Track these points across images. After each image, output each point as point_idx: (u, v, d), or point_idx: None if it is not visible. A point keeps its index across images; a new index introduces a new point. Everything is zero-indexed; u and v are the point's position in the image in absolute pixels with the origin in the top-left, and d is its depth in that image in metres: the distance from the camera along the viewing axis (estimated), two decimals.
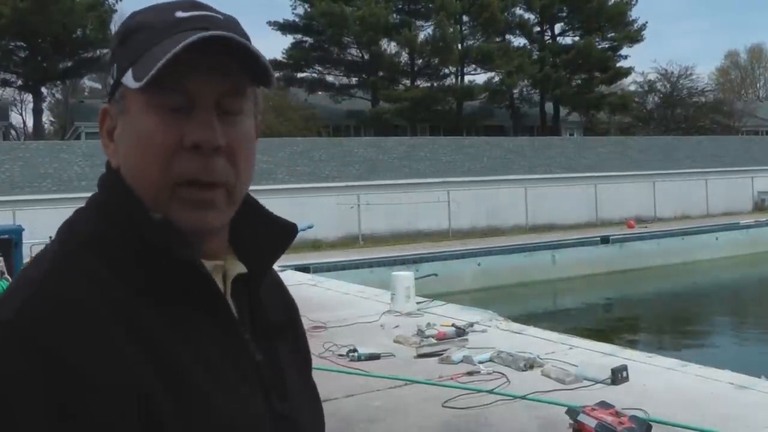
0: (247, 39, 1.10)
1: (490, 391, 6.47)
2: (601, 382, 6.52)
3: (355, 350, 8.39)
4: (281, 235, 1.22)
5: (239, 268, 1.16)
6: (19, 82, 49.50)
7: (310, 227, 26.60)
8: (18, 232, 20.10)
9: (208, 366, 1.05)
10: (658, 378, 6.89)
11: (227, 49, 1.06)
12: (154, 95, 1.04)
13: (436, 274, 17.31)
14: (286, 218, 1.24)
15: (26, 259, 17.90)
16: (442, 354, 7.97)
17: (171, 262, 1.05)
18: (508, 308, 16.04)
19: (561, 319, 17.06)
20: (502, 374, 6.95)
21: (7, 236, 19.15)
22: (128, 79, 1.06)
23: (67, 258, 1.04)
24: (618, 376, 6.49)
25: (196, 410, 1.01)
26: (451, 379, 7.02)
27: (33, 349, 0.92)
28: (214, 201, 1.07)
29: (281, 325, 1.26)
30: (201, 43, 1.02)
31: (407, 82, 49.00)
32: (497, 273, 21.84)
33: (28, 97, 54.22)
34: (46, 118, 60.72)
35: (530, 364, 7.10)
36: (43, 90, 52.29)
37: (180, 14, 1.09)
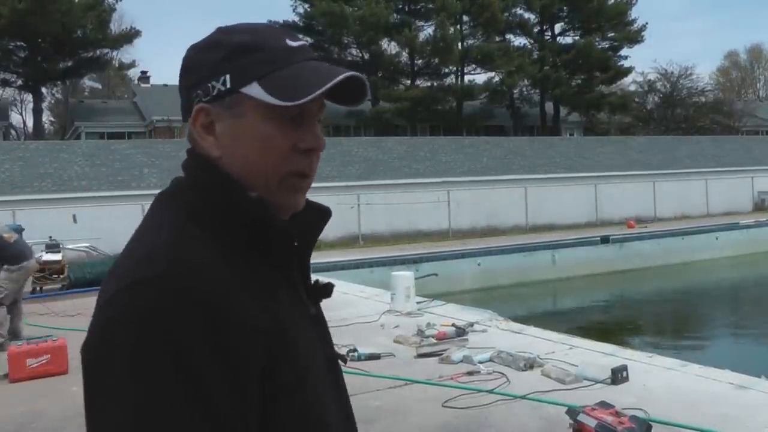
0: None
1: (490, 391, 6.47)
2: (601, 382, 6.51)
3: (355, 350, 8.39)
4: (321, 215, 1.44)
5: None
6: (19, 82, 49.49)
7: None
8: (18, 231, 20.19)
9: (292, 314, 1.28)
10: (658, 378, 6.89)
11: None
12: (278, 108, 1.25)
13: (436, 274, 17.31)
14: (322, 204, 1.47)
15: None
16: (442, 354, 7.96)
17: (268, 230, 1.27)
18: (508, 308, 16.03)
19: (561, 319, 17.03)
20: (502, 374, 6.94)
21: None
22: (257, 91, 1.26)
23: (181, 229, 1.23)
24: (618, 376, 6.48)
25: (291, 353, 1.22)
26: (451, 379, 7.02)
27: (189, 300, 1.11)
28: (305, 188, 1.34)
29: (319, 290, 1.45)
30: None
31: (407, 81, 48.96)
32: (497, 273, 21.85)
33: (28, 97, 54.23)
34: (46, 118, 60.78)
35: (530, 364, 7.09)
36: (43, 90, 52.26)
37: (291, 43, 1.32)
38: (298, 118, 1.28)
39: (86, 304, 13.76)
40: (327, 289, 1.47)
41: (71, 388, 8.06)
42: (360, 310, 11.68)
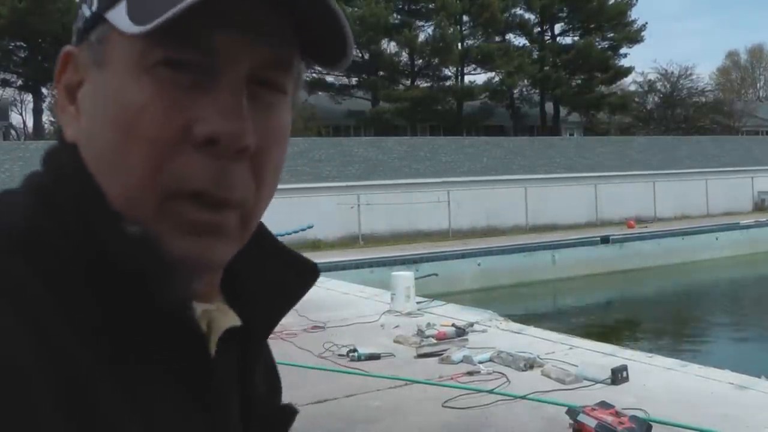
0: None
1: (491, 391, 6.48)
2: (601, 382, 6.53)
3: (355, 350, 8.39)
4: (297, 277, 0.88)
5: (232, 319, 0.81)
6: (19, 82, 49.53)
7: (309, 227, 26.71)
8: None
9: None
10: (658, 378, 6.90)
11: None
12: (157, 47, 0.70)
13: (436, 274, 17.33)
14: (301, 254, 0.90)
15: None
16: (442, 354, 7.97)
17: (144, 300, 0.70)
18: (508, 308, 16.02)
19: (561, 319, 17.07)
20: (502, 374, 6.96)
21: None
22: (118, 16, 0.72)
23: None
24: (618, 376, 6.50)
25: None
26: (451, 379, 7.03)
27: None
28: (224, 226, 0.74)
29: (271, 415, 0.94)
30: None
31: (407, 82, 48.96)
32: (497, 273, 21.87)
33: (28, 97, 54.25)
34: (46, 118, 60.73)
35: (530, 364, 7.11)
36: (43, 90, 52.26)
37: None
38: (201, 77, 0.72)
39: None
40: (284, 418, 0.96)
41: None
42: (360, 310, 11.68)
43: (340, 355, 8.43)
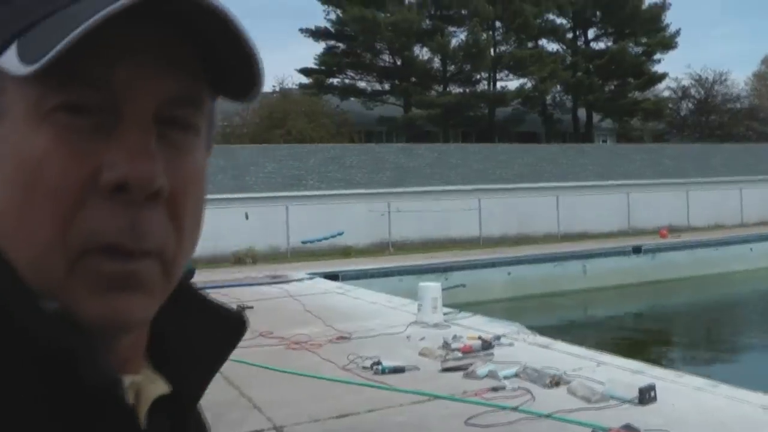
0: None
1: (515, 409, 6.36)
2: (628, 402, 6.37)
3: (379, 363, 8.31)
4: (225, 334, 0.81)
5: (160, 387, 0.76)
6: None
7: (340, 234, 26.71)
8: None
9: None
10: (687, 398, 6.72)
11: (184, 25, 0.67)
12: (52, 91, 0.64)
13: (463, 285, 17.20)
14: (227, 305, 0.83)
15: None
16: (467, 368, 7.86)
17: (70, 379, 0.65)
18: (538, 319, 15.87)
19: (590, 331, 16.84)
20: (528, 391, 6.83)
21: None
22: (9, 59, 0.64)
23: None
24: (646, 395, 6.34)
25: None
26: (476, 395, 6.91)
27: None
28: (143, 278, 0.67)
29: None
30: (143, 9, 0.62)
31: (439, 88, 48.85)
32: (527, 282, 21.64)
33: None
34: None
35: (556, 381, 6.97)
36: None
37: None
38: (104, 117, 0.65)
39: None
40: None
41: None
42: (387, 321, 11.61)
43: (364, 367, 8.35)
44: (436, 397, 7.01)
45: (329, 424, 6.46)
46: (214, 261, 25.01)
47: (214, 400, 7.20)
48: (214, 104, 0.76)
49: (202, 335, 0.79)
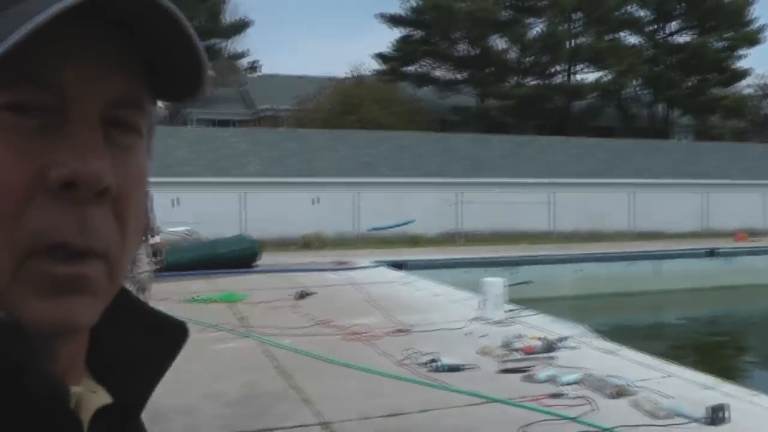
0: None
1: (573, 419, 5.99)
2: (697, 421, 5.92)
3: (436, 360, 8.02)
4: (165, 343, 0.79)
5: (101, 398, 0.73)
6: None
7: (411, 222, 26.47)
8: None
9: None
10: (763, 422, 6.24)
11: (132, 26, 0.66)
12: None
13: (530, 282, 16.72)
14: (167, 313, 0.81)
15: None
16: (527, 371, 7.51)
17: (14, 391, 0.62)
18: (605, 319, 15.38)
19: (659, 337, 16.20)
20: (589, 400, 6.42)
21: None
22: None
23: None
24: (717, 415, 5.86)
25: None
26: (534, 400, 6.56)
27: None
28: (89, 280, 0.65)
29: None
30: (91, 8, 0.61)
31: (515, 79, 48.19)
32: (597, 281, 21.06)
33: None
34: (161, 103, 62.32)
35: (620, 392, 6.54)
36: None
37: None
38: (51, 118, 0.64)
39: (174, 290, 13.86)
40: None
41: None
42: (448, 315, 11.31)
43: (420, 363, 8.07)
44: (493, 400, 6.68)
45: (378, 423, 6.20)
46: (282, 244, 25.09)
47: (263, 390, 7.02)
48: (154, 108, 0.74)
49: (143, 343, 0.77)
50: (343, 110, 40.55)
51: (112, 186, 0.65)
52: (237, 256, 18.23)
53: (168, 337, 0.79)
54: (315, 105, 42.33)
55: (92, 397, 0.73)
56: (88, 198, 0.64)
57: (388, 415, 6.35)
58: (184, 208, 24.37)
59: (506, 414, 6.30)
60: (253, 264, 18.57)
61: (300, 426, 6.19)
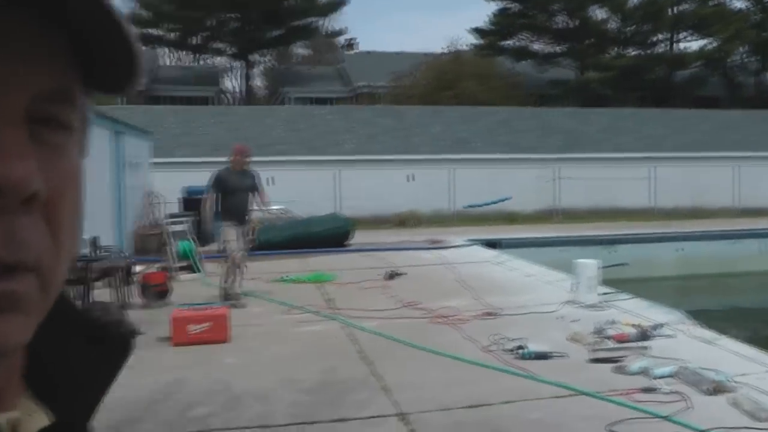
0: None
1: (666, 418, 5.59)
2: None
3: (523, 346, 7.73)
4: (108, 353, 0.73)
5: (40, 419, 0.66)
6: (231, 51, 51.71)
7: (507, 199, 25.99)
8: None
9: None
10: None
11: (61, 14, 0.58)
12: None
13: (626, 264, 16.12)
14: (115, 321, 0.75)
15: None
16: (618, 361, 7.13)
17: None
18: (706, 301, 14.73)
19: (765, 320, 15.38)
20: (684, 396, 5.99)
21: (203, 195, 19.98)
22: None
23: None
24: None
25: None
26: (624, 395, 6.18)
27: None
28: (20, 297, 0.57)
29: None
30: None
31: (615, 50, 46.83)
32: (699, 260, 20.12)
33: (240, 64, 56.53)
34: (259, 83, 63.13)
35: (718, 388, 6.09)
36: (254, 57, 54.34)
37: None
38: None
39: (266, 268, 13.88)
40: None
41: (224, 359, 7.96)
42: (540, 297, 10.96)
43: (506, 350, 7.80)
44: (580, 393, 6.33)
45: (458, 414, 5.96)
46: (377, 222, 25.02)
47: (342, 377, 6.85)
48: (87, 103, 0.65)
49: (85, 357, 0.71)
50: (440, 86, 40.17)
51: (41, 190, 0.57)
52: (330, 235, 18.20)
53: (111, 347, 0.73)
54: (411, 81, 42.05)
55: (30, 420, 0.65)
56: (15, 206, 0.56)
57: (469, 406, 6.10)
58: (278, 187, 24.45)
59: (593, 408, 5.97)
60: (346, 243, 18.51)
61: (376, 417, 6.01)
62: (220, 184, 10.95)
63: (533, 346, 7.72)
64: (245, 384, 7.01)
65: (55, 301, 0.64)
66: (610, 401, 6.04)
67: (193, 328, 8.70)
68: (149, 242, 16.28)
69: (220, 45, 51.33)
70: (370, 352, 8.08)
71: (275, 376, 7.26)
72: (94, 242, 10.36)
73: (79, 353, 0.71)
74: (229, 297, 10.86)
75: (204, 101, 48.06)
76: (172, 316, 8.88)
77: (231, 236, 10.91)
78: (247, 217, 11.22)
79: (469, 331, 8.80)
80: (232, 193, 10.92)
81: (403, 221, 25.53)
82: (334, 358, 7.89)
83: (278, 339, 8.99)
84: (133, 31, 0.58)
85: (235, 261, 10.92)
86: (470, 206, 25.76)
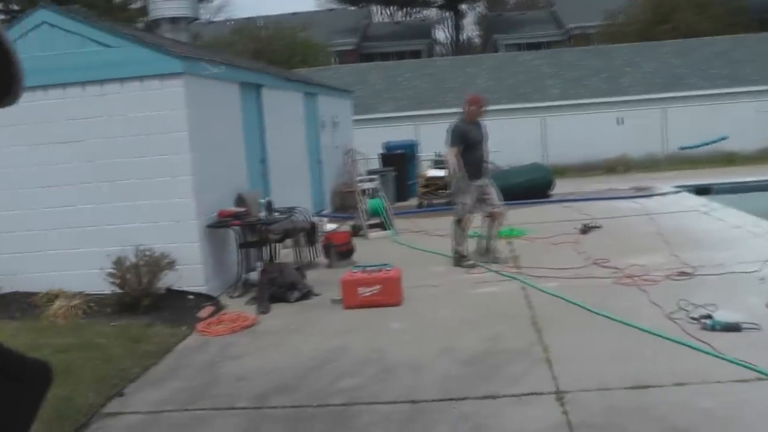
0: None
1: None
2: None
3: (710, 315, 6.87)
4: (26, 390, 0.71)
5: None
6: (440, 1, 51.51)
7: (724, 138, 23.91)
8: (412, 146, 20.67)
9: None
10: None
11: None
12: None
13: None
14: (27, 355, 0.74)
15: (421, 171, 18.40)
16: None
17: None
18: None
19: None
20: None
21: (402, 151, 19.83)
22: None
23: None
24: None
25: None
26: None
27: None
28: None
29: None
30: None
31: None
32: None
33: (449, 15, 56.14)
34: (472, 32, 62.50)
35: None
36: (463, 6, 53.74)
37: None
38: None
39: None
40: None
41: (390, 324, 7.73)
42: (743, 253, 9.71)
43: (692, 318, 6.96)
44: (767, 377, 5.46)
45: (617, 397, 5.29)
46: (585, 169, 24.02)
47: (504, 346, 6.27)
48: None
49: (3, 395, 0.68)
50: (655, 19, 37.76)
51: None
52: (531, 186, 17.52)
53: (30, 383, 0.71)
54: (626, 18, 39.84)
55: None
56: None
57: (632, 387, 5.41)
58: None
59: None
60: (548, 193, 17.80)
61: (529, 394, 5.47)
62: (463, 136, 10.42)
63: (723, 314, 6.85)
64: (402, 353, 6.73)
65: None
66: None
67: (364, 291, 8.52)
68: (348, 200, 16.36)
69: None
70: (542, 317, 7.53)
71: (435, 344, 6.91)
72: (269, 205, 10.40)
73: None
74: (462, 260, 10.44)
75: (416, 55, 48.11)
76: (343, 279, 8.75)
77: (467, 195, 10.41)
78: (485, 170, 10.73)
79: (655, 294, 7.98)
80: (473, 146, 10.40)
81: (612, 167, 24.26)
82: (502, 324, 7.40)
83: (451, 302, 8.62)
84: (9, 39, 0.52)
85: (469, 221, 10.49)
86: (684, 148, 23.97)
